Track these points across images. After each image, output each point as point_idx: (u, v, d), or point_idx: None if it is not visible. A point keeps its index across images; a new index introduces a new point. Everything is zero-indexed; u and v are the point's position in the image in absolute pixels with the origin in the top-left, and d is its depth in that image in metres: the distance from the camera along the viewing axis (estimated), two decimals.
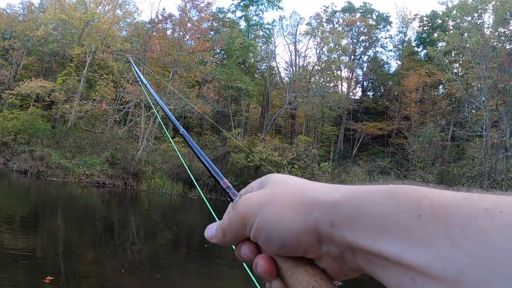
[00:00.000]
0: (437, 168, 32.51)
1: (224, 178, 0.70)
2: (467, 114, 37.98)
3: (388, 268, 0.41)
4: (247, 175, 29.21)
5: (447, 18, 44.61)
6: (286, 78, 49.63)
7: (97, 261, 10.28)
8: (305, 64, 49.20)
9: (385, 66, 53.75)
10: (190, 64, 35.86)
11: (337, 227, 0.46)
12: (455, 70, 41.10)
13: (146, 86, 1.11)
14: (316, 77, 46.55)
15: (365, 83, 54.90)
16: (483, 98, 33.75)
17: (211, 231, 0.61)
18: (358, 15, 51.31)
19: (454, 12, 41.79)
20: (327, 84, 47.35)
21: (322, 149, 40.72)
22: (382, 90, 53.35)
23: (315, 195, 0.50)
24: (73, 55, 35.04)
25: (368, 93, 54.56)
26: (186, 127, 44.49)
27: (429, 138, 34.85)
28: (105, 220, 17.22)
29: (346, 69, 50.52)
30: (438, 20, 48.12)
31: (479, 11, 38.10)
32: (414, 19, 51.95)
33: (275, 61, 53.12)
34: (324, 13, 51.31)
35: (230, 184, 0.68)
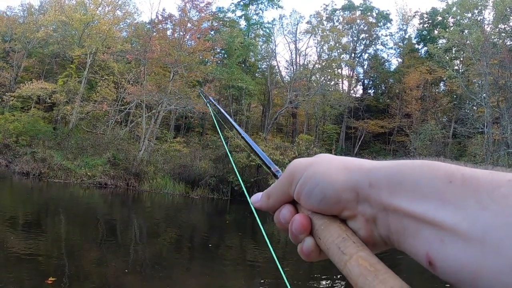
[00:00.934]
0: None
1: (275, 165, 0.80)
2: (468, 111, 37.94)
3: (419, 229, 0.46)
4: (249, 174, 29.17)
5: (447, 15, 44.66)
6: (287, 77, 49.70)
7: (99, 262, 10.27)
8: (305, 63, 49.30)
9: (386, 63, 53.80)
10: (190, 64, 35.92)
11: (375, 188, 0.50)
12: (456, 67, 41.19)
13: (221, 112, 1.18)
14: (317, 76, 46.60)
15: (366, 81, 54.95)
16: (484, 94, 33.73)
17: (256, 197, 0.68)
18: (358, 13, 51.26)
19: (454, 9, 41.84)
20: (328, 82, 47.38)
21: (324, 148, 40.69)
22: (383, 87, 53.32)
23: (359, 162, 0.56)
24: (73, 56, 35.10)
25: (369, 91, 54.60)
26: (187, 127, 44.60)
27: (431, 135, 34.86)
28: (108, 220, 17.21)
29: (347, 67, 50.60)
30: (438, 17, 48.16)
31: (479, 8, 38.12)
32: (414, 16, 52.09)
33: (276, 60, 53.12)
34: (324, 11, 51.43)
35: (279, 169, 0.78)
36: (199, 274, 10.28)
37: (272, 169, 0.79)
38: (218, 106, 1.22)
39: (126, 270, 9.77)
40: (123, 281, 8.99)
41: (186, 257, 12.39)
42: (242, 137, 1.09)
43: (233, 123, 1.29)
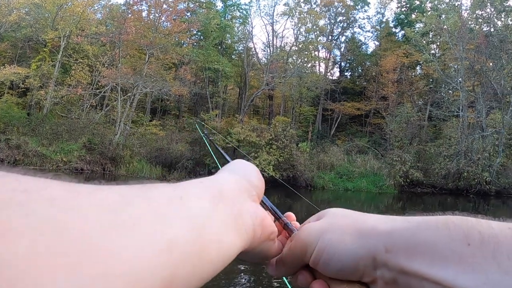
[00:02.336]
0: (414, 148, 32.89)
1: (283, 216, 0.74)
2: (444, 95, 38.55)
3: None
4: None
5: None
6: (264, 59, 49.43)
7: None
8: (282, 45, 49.03)
9: (363, 46, 53.86)
10: (166, 46, 35.53)
11: (392, 253, 0.50)
12: (433, 51, 41.54)
13: (216, 148, 1.19)
14: (294, 58, 46.47)
15: (342, 64, 54.94)
16: (459, 79, 34.18)
17: (272, 266, 0.66)
18: None
19: None
20: (305, 64, 47.32)
21: (300, 130, 40.79)
22: (360, 70, 53.46)
23: (373, 224, 0.55)
24: (47, 40, 34.29)
25: (346, 73, 54.56)
26: (163, 110, 44.32)
27: (407, 118, 35.18)
28: None
29: (324, 50, 50.49)
30: (416, 1, 48.30)
31: None
32: (392, 0, 52.18)
33: (253, 42, 52.73)
34: None
35: (288, 221, 0.72)
36: None
37: (282, 219, 0.73)
38: (216, 145, 1.24)
39: None
40: None
41: None
42: None
43: (227, 157, 1.27)
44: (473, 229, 0.45)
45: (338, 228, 0.57)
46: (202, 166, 29.45)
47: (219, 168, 0.75)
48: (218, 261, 0.46)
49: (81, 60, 34.87)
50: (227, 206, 0.52)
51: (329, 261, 0.56)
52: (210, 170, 29.06)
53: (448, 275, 0.44)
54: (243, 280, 9.55)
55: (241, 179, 0.63)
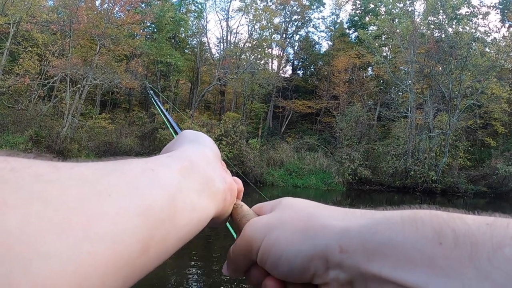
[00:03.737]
0: (363, 146, 33.60)
1: None
2: (393, 96, 39.48)
3: None
4: None
5: (379, 3, 45.71)
6: (217, 54, 49.32)
7: None
8: (236, 41, 49.08)
9: (316, 46, 54.55)
10: (118, 37, 34.90)
11: (348, 253, 0.44)
12: (384, 54, 42.58)
13: (167, 117, 1.20)
14: (247, 54, 46.54)
15: (295, 62, 55.38)
16: (409, 81, 35.20)
17: (225, 265, 0.62)
18: None
19: None
20: (258, 61, 47.43)
21: (251, 126, 41.00)
22: (312, 69, 54.05)
23: (326, 220, 0.49)
24: None
25: (298, 71, 55.15)
26: (113, 103, 43.61)
27: (356, 117, 35.82)
28: None
29: (277, 47, 50.73)
30: (370, 4, 49.22)
31: None
32: (347, 2, 52.95)
33: (206, 37, 52.66)
34: None
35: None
36: None
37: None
38: (173, 122, 1.28)
39: None
40: None
41: None
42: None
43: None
44: (445, 226, 0.39)
45: (287, 225, 0.52)
46: None
47: (173, 137, 0.82)
48: (192, 225, 0.49)
49: (30, 49, 33.70)
50: (198, 175, 0.55)
51: (277, 261, 0.50)
52: None
53: (416, 280, 0.38)
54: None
55: (205, 149, 0.65)
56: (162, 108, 1.29)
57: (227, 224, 0.72)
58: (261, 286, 0.55)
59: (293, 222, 0.52)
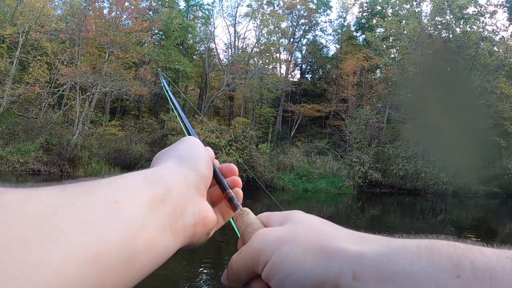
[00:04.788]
0: (373, 149, 33.44)
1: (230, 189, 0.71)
2: (402, 98, 39.31)
3: None
4: None
5: (386, 5, 45.81)
6: (225, 60, 49.42)
7: None
8: (244, 46, 49.16)
9: (324, 49, 54.44)
10: (126, 45, 35.11)
11: (361, 281, 0.41)
12: (392, 55, 42.38)
13: (177, 109, 1.16)
14: (255, 59, 46.63)
15: (303, 66, 55.38)
16: (418, 82, 34.99)
17: (224, 274, 0.58)
18: None
19: None
20: (266, 66, 47.52)
21: (260, 131, 40.94)
22: (321, 73, 54.00)
23: (341, 242, 0.46)
24: (5, 35, 33.34)
25: (307, 75, 55.09)
26: (123, 110, 43.81)
27: (366, 120, 35.69)
28: None
29: (285, 52, 50.80)
30: (377, 6, 49.34)
31: (418, 0, 39.35)
32: (354, 4, 53.00)
33: (214, 43, 52.84)
34: None
35: (233, 195, 0.70)
36: None
37: (227, 192, 0.70)
38: (183, 115, 1.23)
39: None
40: None
41: None
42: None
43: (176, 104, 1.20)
44: (463, 258, 0.37)
45: (300, 242, 0.48)
46: None
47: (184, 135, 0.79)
48: (150, 265, 0.45)
49: (39, 57, 33.98)
50: (169, 206, 0.50)
51: (285, 279, 0.46)
52: None
53: None
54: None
55: (190, 172, 0.59)
56: (175, 102, 1.20)
57: (232, 222, 0.68)
58: None
59: (307, 240, 0.48)
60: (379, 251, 0.43)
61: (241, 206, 0.66)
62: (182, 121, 0.99)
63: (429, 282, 0.37)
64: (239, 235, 0.62)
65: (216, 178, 0.72)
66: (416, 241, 0.42)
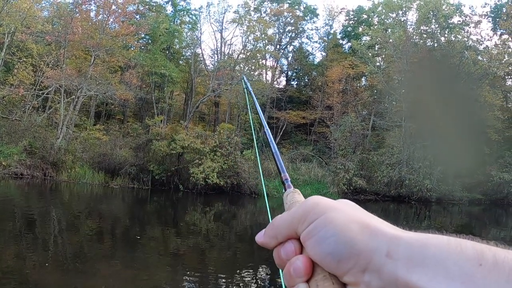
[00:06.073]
0: (357, 156, 33.56)
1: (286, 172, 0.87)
2: (387, 105, 39.62)
3: None
4: (170, 163, 29.06)
5: (372, 13, 46.33)
6: (211, 66, 49.45)
7: (18, 257, 9.88)
8: (230, 52, 49.24)
9: (310, 56, 54.77)
10: (112, 48, 35.01)
11: (393, 259, 0.45)
12: (378, 63, 42.79)
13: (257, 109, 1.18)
14: (241, 65, 46.70)
15: (289, 73, 55.57)
16: (403, 90, 35.32)
17: (260, 233, 0.61)
18: (286, 5, 51.50)
19: (380, 8, 43.68)
20: (252, 72, 47.59)
21: (245, 137, 40.99)
22: (306, 80, 54.33)
23: (380, 225, 0.50)
24: None
25: (292, 82, 55.24)
26: (108, 114, 43.57)
27: (351, 127, 35.81)
28: (25, 213, 16.53)
29: (271, 58, 50.95)
30: (363, 15, 49.89)
31: (404, 9, 39.83)
32: (340, 12, 53.44)
33: (201, 48, 52.90)
34: (252, 2, 51.30)
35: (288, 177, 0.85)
36: (122, 266, 10.15)
37: (282, 175, 0.87)
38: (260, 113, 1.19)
39: (47, 264, 9.48)
40: (44, 276, 8.72)
41: (108, 249, 12.19)
42: (266, 136, 1.15)
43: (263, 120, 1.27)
44: (487, 250, 0.42)
45: (348, 214, 0.52)
46: (145, 172, 29.13)
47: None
48: None
49: (24, 59, 33.69)
50: None
51: (323, 240, 0.50)
52: (154, 177, 28.81)
53: None
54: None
55: None
56: (262, 117, 1.23)
57: (267, 204, 0.87)
58: (288, 263, 0.54)
59: (354, 214, 0.52)
60: (414, 237, 0.47)
61: (292, 187, 0.80)
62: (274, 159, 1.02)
63: (455, 267, 0.42)
64: (270, 219, 0.64)
65: (276, 162, 0.87)
66: (446, 236, 0.46)
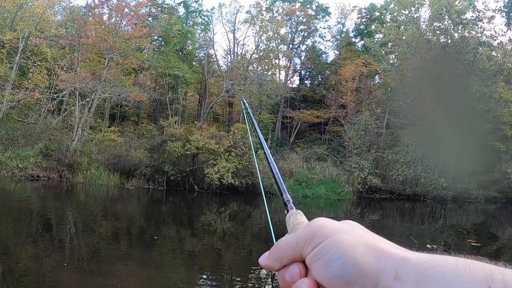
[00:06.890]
0: (372, 155, 33.38)
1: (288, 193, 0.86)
2: (401, 103, 39.33)
3: None
4: (184, 164, 29.09)
5: (384, 11, 46.11)
6: (224, 66, 49.57)
7: (35, 258, 9.94)
8: (243, 52, 49.31)
9: (323, 55, 54.86)
10: (126, 51, 35.13)
11: (401, 281, 0.45)
12: (391, 61, 42.51)
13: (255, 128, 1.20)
14: (254, 65, 46.72)
15: (302, 72, 55.67)
16: (417, 88, 35.01)
17: (264, 255, 0.60)
18: (298, 5, 51.63)
19: (392, 5, 43.40)
20: (265, 72, 47.62)
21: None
22: (320, 79, 54.32)
23: (388, 247, 0.50)
24: (5, 40, 33.32)
25: (306, 81, 55.35)
26: (122, 116, 43.80)
27: (365, 126, 35.63)
28: (42, 214, 16.67)
29: (284, 58, 51.03)
30: (376, 12, 49.72)
31: (416, 6, 39.58)
32: (352, 10, 53.58)
33: (213, 49, 53.04)
34: (264, 2, 51.39)
35: (290, 198, 0.85)
36: (138, 266, 10.18)
37: (284, 197, 0.85)
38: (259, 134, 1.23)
39: (65, 264, 9.56)
40: (61, 276, 8.77)
41: (124, 250, 12.23)
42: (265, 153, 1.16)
43: (260, 134, 1.32)
44: (496, 271, 0.42)
45: (355, 235, 0.52)
46: (160, 173, 29.19)
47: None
48: None
49: (39, 63, 33.97)
50: None
51: (330, 263, 0.50)
52: (169, 178, 28.87)
53: None
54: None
55: None
56: (259, 133, 1.27)
57: (270, 226, 0.84)
58: (294, 286, 0.54)
59: (361, 236, 0.52)
60: (422, 258, 0.46)
61: (294, 208, 0.80)
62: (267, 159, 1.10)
63: None
64: (274, 241, 0.64)
65: (277, 184, 0.87)
66: (455, 257, 0.46)
